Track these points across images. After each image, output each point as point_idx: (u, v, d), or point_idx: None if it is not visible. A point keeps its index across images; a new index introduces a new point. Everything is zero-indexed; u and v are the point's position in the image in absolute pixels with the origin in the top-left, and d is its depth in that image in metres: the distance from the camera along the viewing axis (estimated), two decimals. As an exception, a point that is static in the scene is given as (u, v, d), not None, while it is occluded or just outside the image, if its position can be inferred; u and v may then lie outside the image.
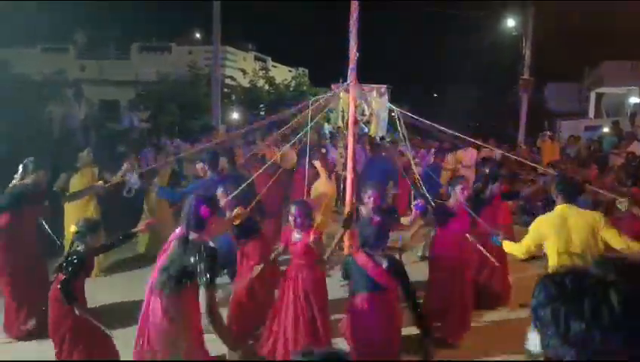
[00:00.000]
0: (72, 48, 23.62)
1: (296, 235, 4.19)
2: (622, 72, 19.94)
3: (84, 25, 23.72)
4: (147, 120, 16.21)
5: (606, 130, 16.61)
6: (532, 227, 3.98)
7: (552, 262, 3.81)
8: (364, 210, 4.82)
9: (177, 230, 3.26)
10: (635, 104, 20.63)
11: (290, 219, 4.17)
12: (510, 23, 19.26)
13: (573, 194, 3.95)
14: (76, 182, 6.27)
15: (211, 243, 3.14)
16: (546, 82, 24.00)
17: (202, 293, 2.97)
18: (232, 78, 20.16)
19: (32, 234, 4.87)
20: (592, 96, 22.51)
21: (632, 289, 0.76)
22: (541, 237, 3.89)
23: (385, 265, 3.44)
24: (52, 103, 12.12)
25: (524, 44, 17.28)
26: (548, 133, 14.37)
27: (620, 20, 17.81)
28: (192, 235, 3.17)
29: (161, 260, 3.25)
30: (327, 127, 15.76)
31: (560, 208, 3.87)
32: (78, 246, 3.82)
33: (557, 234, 3.77)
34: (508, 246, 4.18)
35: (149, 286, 3.24)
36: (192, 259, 3.03)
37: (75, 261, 3.70)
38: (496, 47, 21.58)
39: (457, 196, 4.73)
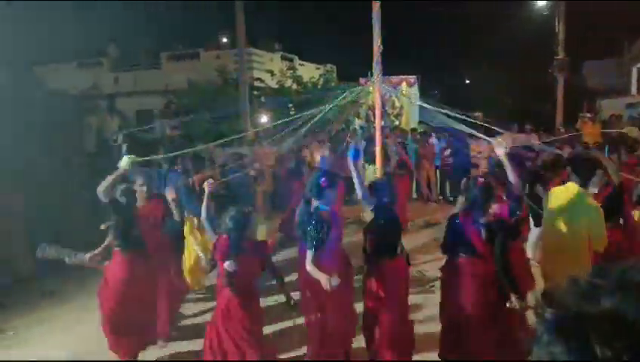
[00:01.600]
0: (105, 62, 24.25)
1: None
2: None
3: (116, 38, 24.31)
4: (177, 127, 16.46)
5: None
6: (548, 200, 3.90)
7: (549, 239, 3.83)
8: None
9: None
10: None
11: None
12: (541, 2, 18.64)
13: (588, 175, 3.82)
14: None
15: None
16: (584, 60, 23.11)
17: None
18: (260, 80, 20.25)
19: None
20: (634, 71, 21.52)
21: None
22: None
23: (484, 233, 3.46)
24: (87, 117, 12.45)
25: (557, 23, 16.67)
26: (588, 114, 13.80)
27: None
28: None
29: None
30: (357, 122, 15.62)
31: (574, 187, 3.77)
32: None
33: (569, 211, 3.69)
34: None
35: None
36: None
37: None
38: (529, 27, 20.93)
39: None
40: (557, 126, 15.14)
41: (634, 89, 21.25)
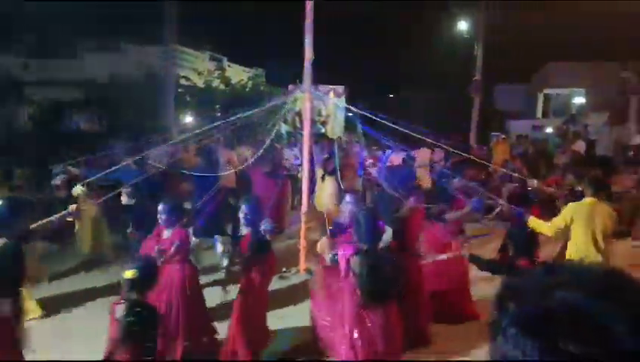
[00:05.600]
0: (16, 46, 22.51)
1: (165, 233, 4.36)
2: (566, 72, 20.86)
3: (31, 22, 22.68)
4: (95, 121, 15.69)
5: (550, 129, 17.33)
6: (564, 211, 4.49)
7: (573, 247, 4.35)
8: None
9: None
10: (580, 104, 21.63)
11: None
12: (462, 26, 19.77)
13: (600, 188, 4.57)
14: None
15: None
16: (496, 83, 24.76)
17: None
18: (186, 78, 19.77)
19: None
20: (540, 96, 23.43)
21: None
22: (571, 220, 4.36)
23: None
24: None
25: (475, 47, 17.76)
26: (501, 135, 14.82)
27: (564, 22, 18.57)
28: None
29: None
30: (284, 128, 15.70)
31: (589, 200, 4.42)
32: None
33: (585, 221, 4.31)
34: (535, 223, 4.48)
35: None
36: None
37: None
38: (450, 49, 22.09)
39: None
40: (470, 143, 16.09)
41: (539, 112, 23.12)
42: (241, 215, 4.29)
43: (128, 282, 3.15)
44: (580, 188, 4.88)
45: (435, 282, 4.93)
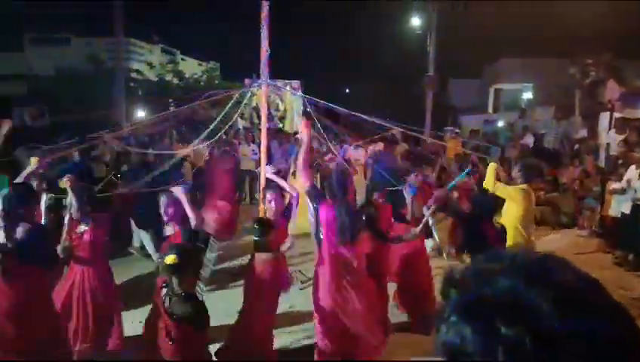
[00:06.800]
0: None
1: (82, 226, 3.96)
2: (515, 68, 21.57)
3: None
4: (41, 116, 15.00)
5: (501, 123, 17.88)
6: (503, 186, 4.48)
7: (512, 231, 4.36)
8: None
9: None
10: (529, 99, 22.43)
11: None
12: (415, 22, 20.06)
13: (532, 175, 4.54)
14: None
15: None
16: (449, 78, 25.33)
17: None
18: (137, 71, 19.24)
19: None
20: (491, 91, 24.14)
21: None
22: (508, 194, 4.39)
23: None
24: None
25: (428, 43, 18.04)
26: (455, 129, 15.11)
27: (516, 19, 19.23)
28: None
29: None
30: (240, 123, 15.51)
31: (523, 186, 4.39)
32: None
33: (522, 203, 4.32)
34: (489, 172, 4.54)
35: None
36: None
37: None
38: (403, 44, 22.42)
39: None
40: (423, 137, 16.35)
41: (490, 107, 23.82)
42: (161, 210, 3.86)
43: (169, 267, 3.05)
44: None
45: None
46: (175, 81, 19.83)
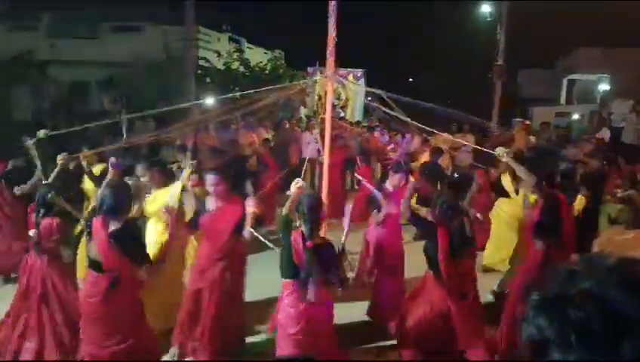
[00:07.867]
0: (41, 26, 22.66)
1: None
2: (594, 58, 20.34)
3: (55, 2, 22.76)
4: (117, 100, 15.81)
5: (575, 116, 16.97)
6: None
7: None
8: None
9: None
10: (605, 91, 21.11)
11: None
12: (485, 8, 19.36)
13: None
14: None
15: None
16: (520, 68, 24.30)
17: None
18: (205, 59, 19.77)
19: None
20: (564, 82, 22.92)
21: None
22: None
23: None
24: (17, 85, 11.72)
25: (498, 30, 17.36)
26: (525, 120, 14.52)
27: (593, 7, 18.09)
28: None
29: None
30: (303, 111, 15.67)
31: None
32: None
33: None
34: None
35: None
36: None
37: None
38: (472, 32, 21.70)
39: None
40: (491, 130, 15.82)
41: (563, 99, 22.65)
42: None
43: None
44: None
45: None
46: (241, 69, 20.24)
